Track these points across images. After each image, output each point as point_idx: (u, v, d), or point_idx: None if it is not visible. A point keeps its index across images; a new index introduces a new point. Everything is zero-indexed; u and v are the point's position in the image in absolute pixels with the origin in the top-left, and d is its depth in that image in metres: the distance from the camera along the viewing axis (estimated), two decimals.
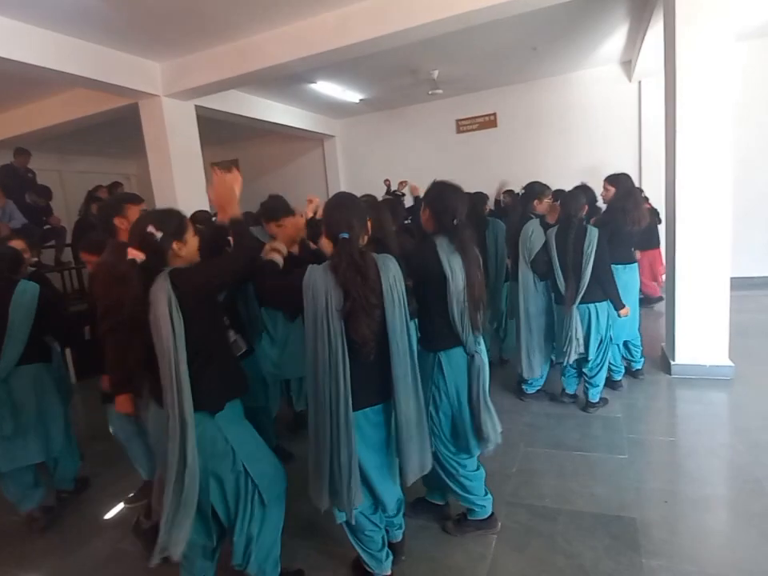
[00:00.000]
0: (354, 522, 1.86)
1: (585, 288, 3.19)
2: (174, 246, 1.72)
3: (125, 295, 1.66)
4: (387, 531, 2.06)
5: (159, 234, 1.67)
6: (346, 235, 1.68)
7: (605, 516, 2.37)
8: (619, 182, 3.83)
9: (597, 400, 3.48)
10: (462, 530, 2.34)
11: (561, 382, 3.67)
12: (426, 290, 2.10)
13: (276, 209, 2.92)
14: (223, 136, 8.53)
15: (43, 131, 6.39)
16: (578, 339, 3.22)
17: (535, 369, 3.58)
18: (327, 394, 1.68)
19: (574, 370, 3.57)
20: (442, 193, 2.17)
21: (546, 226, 3.51)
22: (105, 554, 2.45)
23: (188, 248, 1.77)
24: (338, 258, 1.67)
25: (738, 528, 2.27)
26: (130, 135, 6.64)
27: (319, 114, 8.41)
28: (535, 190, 3.74)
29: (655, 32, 4.77)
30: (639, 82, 6.93)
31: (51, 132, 6.53)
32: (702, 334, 3.84)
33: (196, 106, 5.82)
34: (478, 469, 2.31)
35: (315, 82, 6.53)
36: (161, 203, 5.67)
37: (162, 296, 1.59)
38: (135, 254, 1.65)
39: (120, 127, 6.68)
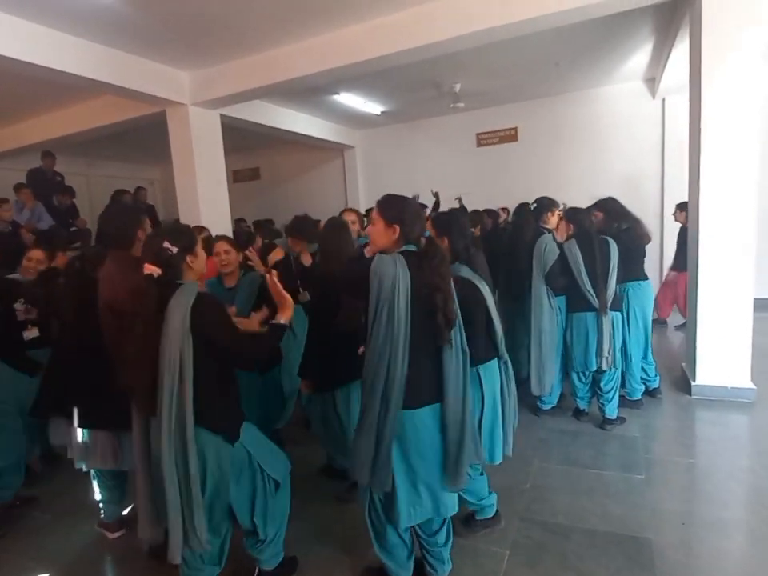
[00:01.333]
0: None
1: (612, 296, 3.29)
2: (188, 259, 1.78)
3: (141, 310, 1.68)
4: (426, 552, 2.02)
5: (175, 249, 1.73)
6: (428, 234, 1.83)
7: (619, 536, 2.33)
8: (607, 206, 3.80)
9: (615, 416, 3.44)
10: (473, 530, 2.39)
11: (572, 398, 3.63)
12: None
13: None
14: (245, 144, 8.67)
15: (73, 136, 6.58)
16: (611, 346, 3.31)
17: (546, 385, 3.52)
18: (380, 389, 1.71)
19: (586, 386, 3.54)
20: (458, 221, 2.33)
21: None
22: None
23: (198, 261, 1.85)
24: (435, 251, 1.78)
25: (756, 553, 2.21)
26: (155, 142, 6.82)
27: (340, 125, 8.52)
28: (545, 204, 3.75)
29: (681, 49, 4.75)
30: (663, 100, 6.89)
31: (81, 137, 6.73)
32: (723, 355, 3.76)
33: (221, 114, 5.95)
34: (482, 474, 2.40)
35: (338, 94, 6.63)
36: (184, 209, 5.79)
37: (178, 312, 1.65)
38: (152, 269, 1.68)
39: (145, 134, 6.85)
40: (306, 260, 3.06)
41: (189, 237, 1.82)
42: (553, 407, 3.73)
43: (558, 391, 3.73)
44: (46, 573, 2.36)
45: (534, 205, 3.90)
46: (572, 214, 3.48)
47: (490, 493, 2.41)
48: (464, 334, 1.83)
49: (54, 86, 4.82)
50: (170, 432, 1.65)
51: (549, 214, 3.69)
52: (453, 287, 1.79)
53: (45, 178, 6.46)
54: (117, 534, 2.56)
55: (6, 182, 6.71)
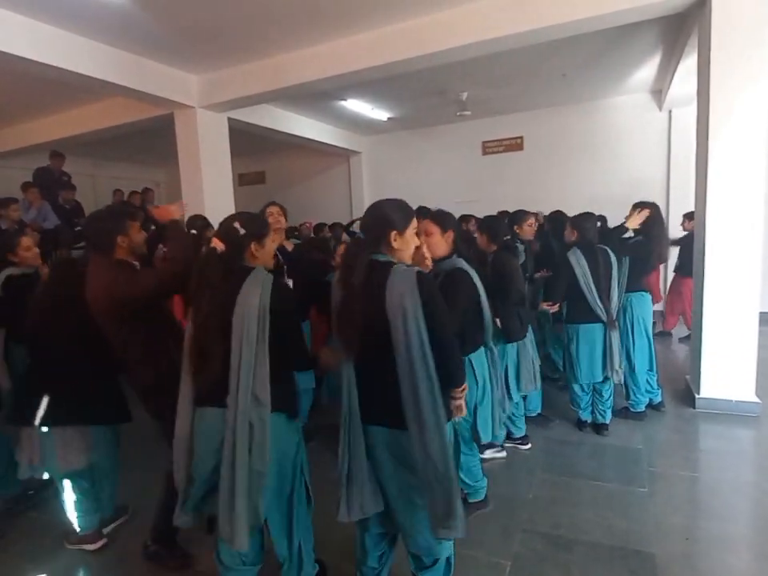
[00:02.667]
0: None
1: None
2: (252, 246, 1.81)
3: (202, 279, 1.72)
4: None
5: (242, 231, 1.78)
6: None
7: (623, 549, 2.31)
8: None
9: (609, 421, 3.51)
10: (466, 513, 2.35)
11: (573, 410, 3.62)
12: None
13: None
14: (252, 148, 8.71)
15: (81, 137, 6.63)
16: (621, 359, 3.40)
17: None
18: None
19: (588, 396, 3.54)
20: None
21: (529, 251, 3.77)
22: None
23: (265, 252, 1.87)
24: None
25: (761, 569, 2.18)
26: (162, 144, 6.85)
27: (347, 130, 8.55)
28: (518, 216, 3.76)
29: (688, 61, 4.77)
30: (670, 112, 6.90)
31: (88, 138, 6.78)
32: (728, 369, 3.74)
33: (228, 118, 5.97)
34: (476, 456, 2.60)
35: (345, 100, 6.66)
36: (190, 211, 5.78)
37: (256, 292, 1.68)
38: (217, 243, 1.76)
39: (152, 136, 6.89)
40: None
41: (259, 226, 1.87)
42: (537, 414, 3.71)
43: (539, 399, 3.69)
44: (43, 574, 2.35)
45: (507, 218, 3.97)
46: (578, 222, 3.45)
47: (482, 477, 2.61)
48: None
49: (63, 86, 4.86)
50: (243, 414, 1.63)
51: (516, 227, 3.74)
52: None
53: (52, 177, 6.49)
54: (98, 545, 2.47)
55: (14, 181, 6.76)
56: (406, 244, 1.72)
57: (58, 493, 2.46)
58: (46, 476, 2.38)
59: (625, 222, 3.65)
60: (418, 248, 1.81)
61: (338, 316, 1.67)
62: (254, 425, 1.65)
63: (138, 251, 2.25)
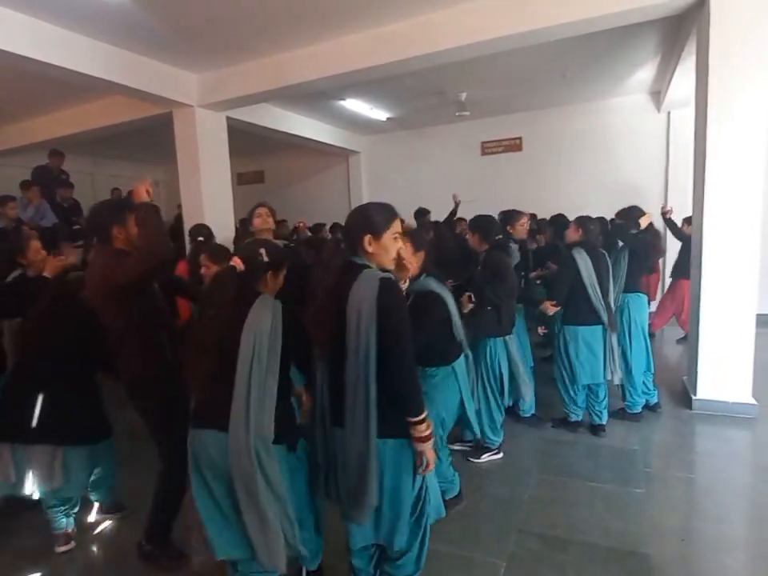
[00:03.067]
0: None
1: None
2: (269, 274, 1.82)
3: (219, 295, 1.73)
4: None
5: (265, 258, 1.80)
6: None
7: (618, 550, 2.31)
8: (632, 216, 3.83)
9: (605, 422, 3.52)
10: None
11: (569, 410, 3.59)
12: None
13: None
14: (250, 147, 8.70)
15: (80, 135, 6.61)
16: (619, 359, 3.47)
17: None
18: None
19: (583, 397, 3.56)
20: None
21: (523, 251, 3.85)
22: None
23: (277, 282, 1.88)
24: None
25: (757, 570, 2.18)
26: (161, 143, 6.84)
27: (346, 130, 8.55)
28: (511, 216, 3.77)
29: (687, 63, 4.77)
30: (668, 113, 6.91)
31: (87, 136, 6.76)
32: (725, 370, 3.74)
33: (227, 117, 5.96)
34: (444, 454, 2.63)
35: (344, 99, 6.65)
36: (188, 210, 5.81)
37: (268, 314, 1.68)
38: (237, 263, 1.76)
39: (151, 134, 6.87)
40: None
41: (282, 258, 1.89)
42: (532, 414, 3.71)
43: (533, 399, 3.69)
44: (38, 572, 2.34)
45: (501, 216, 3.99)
46: (584, 222, 3.46)
47: (453, 474, 2.69)
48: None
49: (62, 84, 4.84)
50: (249, 441, 1.60)
51: (516, 225, 3.75)
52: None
53: (51, 175, 6.47)
54: (66, 548, 2.44)
55: (12, 179, 6.74)
56: (383, 249, 1.66)
57: None
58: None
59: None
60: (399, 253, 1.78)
61: (311, 316, 1.69)
62: (260, 454, 1.62)
63: (134, 242, 2.24)
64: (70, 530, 2.48)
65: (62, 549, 2.44)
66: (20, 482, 2.27)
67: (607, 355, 3.38)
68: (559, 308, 3.41)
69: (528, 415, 3.69)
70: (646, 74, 6.13)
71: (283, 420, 1.73)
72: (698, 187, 3.82)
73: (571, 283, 3.32)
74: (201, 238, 4.04)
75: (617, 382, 3.46)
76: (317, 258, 4.18)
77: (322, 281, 1.68)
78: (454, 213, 6.39)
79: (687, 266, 5.13)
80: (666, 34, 4.76)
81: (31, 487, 2.28)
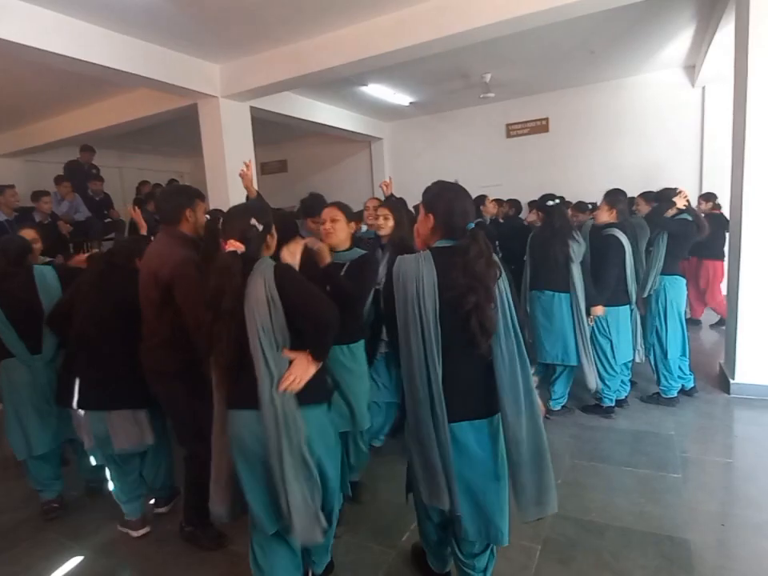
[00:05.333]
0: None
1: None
2: (267, 237, 1.78)
3: (225, 287, 1.63)
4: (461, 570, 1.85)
5: (260, 227, 1.72)
6: (473, 225, 1.61)
7: (655, 535, 2.28)
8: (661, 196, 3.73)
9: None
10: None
11: (600, 393, 3.52)
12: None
13: (313, 206, 3.00)
14: (273, 136, 8.73)
15: (107, 130, 6.76)
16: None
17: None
18: (426, 399, 1.57)
19: (618, 379, 3.53)
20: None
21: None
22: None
23: (274, 241, 1.84)
24: (467, 246, 1.55)
25: None
26: (185, 134, 6.93)
27: (368, 117, 8.49)
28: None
29: (724, 34, 4.57)
30: (703, 88, 6.63)
31: (114, 131, 6.90)
32: (766, 353, 3.63)
33: (250, 107, 5.99)
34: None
35: (366, 85, 6.60)
36: (214, 200, 5.86)
37: (260, 284, 1.62)
38: (236, 246, 1.66)
39: (177, 127, 6.97)
40: None
41: (270, 215, 1.83)
42: (563, 406, 3.59)
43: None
44: (82, 553, 2.44)
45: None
46: (616, 199, 3.39)
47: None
48: (520, 339, 1.60)
49: (87, 79, 4.95)
50: (277, 409, 1.60)
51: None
52: (495, 289, 1.57)
53: (82, 170, 6.63)
54: (142, 532, 2.52)
55: (44, 174, 6.94)
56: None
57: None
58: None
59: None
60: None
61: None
62: (289, 420, 1.62)
63: (200, 232, 2.30)
64: (139, 516, 2.54)
65: (140, 533, 2.51)
66: (99, 446, 2.38)
67: (634, 333, 3.49)
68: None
69: (558, 408, 3.58)
70: (679, 47, 5.89)
71: (313, 379, 1.69)
72: (737, 165, 3.67)
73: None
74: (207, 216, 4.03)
75: (638, 360, 3.59)
76: None
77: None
78: None
79: (707, 247, 4.99)
80: (702, 3, 4.56)
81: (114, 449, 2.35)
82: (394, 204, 3.01)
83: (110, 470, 2.52)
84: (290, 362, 1.66)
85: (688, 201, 3.59)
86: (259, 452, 1.65)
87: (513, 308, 1.61)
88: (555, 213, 3.35)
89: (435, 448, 1.57)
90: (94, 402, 2.35)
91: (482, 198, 5.12)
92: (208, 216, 2.39)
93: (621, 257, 3.30)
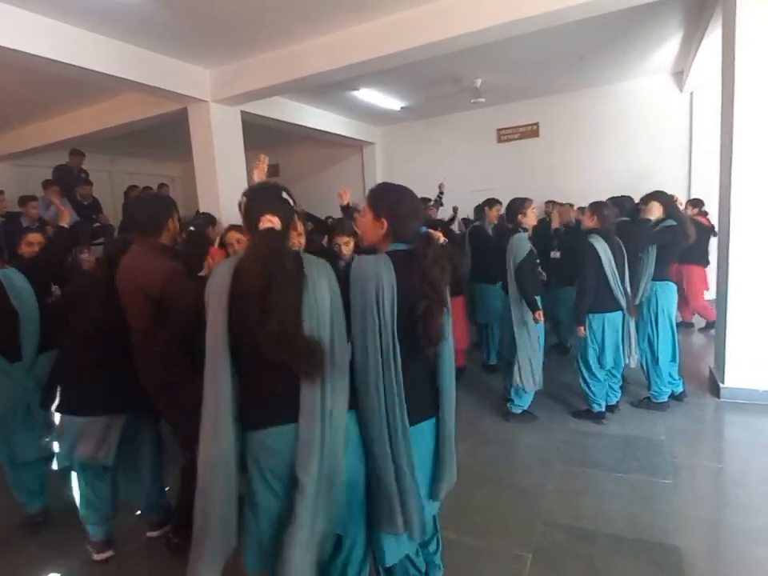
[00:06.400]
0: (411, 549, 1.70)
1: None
2: (296, 222, 1.56)
3: (275, 274, 1.33)
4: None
5: (291, 202, 1.54)
6: (425, 229, 1.59)
7: (646, 542, 2.27)
8: (662, 198, 3.71)
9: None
10: None
11: (588, 400, 3.55)
12: None
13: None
14: (265, 141, 8.66)
15: (97, 134, 6.70)
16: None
17: (538, 379, 3.46)
18: (383, 404, 1.52)
19: (605, 386, 3.53)
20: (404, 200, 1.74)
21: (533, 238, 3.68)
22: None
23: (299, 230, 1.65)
24: (425, 251, 1.53)
25: None
26: (176, 138, 6.89)
27: (360, 121, 8.49)
28: (516, 206, 3.61)
29: (711, 39, 4.62)
30: (691, 93, 6.70)
31: (105, 135, 6.85)
32: (755, 357, 3.64)
33: (241, 111, 5.96)
34: None
35: (358, 90, 6.60)
36: (204, 205, 5.83)
37: (324, 284, 1.41)
38: (273, 221, 1.41)
39: (167, 131, 6.92)
40: None
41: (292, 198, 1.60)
42: (523, 411, 3.61)
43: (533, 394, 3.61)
44: (65, 568, 2.39)
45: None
46: (597, 207, 3.41)
47: None
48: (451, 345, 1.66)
49: (77, 83, 4.90)
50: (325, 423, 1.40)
51: (520, 215, 3.54)
52: (446, 294, 1.58)
53: (71, 174, 6.56)
54: (104, 556, 2.36)
55: (33, 178, 6.86)
56: None
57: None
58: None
59: (645, 215, 3.65)
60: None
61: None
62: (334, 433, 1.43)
63: (176, 238, 2.28)
64: (102, 539, 2.39)
65: (102, 556, 2.37)
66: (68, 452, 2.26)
67: (625, 340, 3.41)
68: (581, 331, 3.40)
69: (518, 412, 3.61)
70: (667, 52, 5.94)
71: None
72: (725, 169, 3.70)
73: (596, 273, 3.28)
74: (192, 228, 3.94)
75: (633, 365, 3.48)
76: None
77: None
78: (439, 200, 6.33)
79: (691, 252, 5.02)
80: (690, 9, 4.60)
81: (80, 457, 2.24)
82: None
83: (78, 481, 2.39)
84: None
85: (675, 204, 3.62)
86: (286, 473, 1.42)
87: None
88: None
89: (392, 464, 1.53)
90: (81, 406, 2.24)
91: (491, 202, 4.81)
92: (192, 228, 2.35)
93: (596, 264, 3.27)
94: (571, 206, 6.00)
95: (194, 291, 1.98)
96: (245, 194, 1.53)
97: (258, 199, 1.51)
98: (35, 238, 2.96)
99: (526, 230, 3.51)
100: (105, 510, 2.39)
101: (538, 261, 3.72)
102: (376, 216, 1.62)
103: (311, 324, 1.37)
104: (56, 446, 2.38)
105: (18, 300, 2.49)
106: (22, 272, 2.59)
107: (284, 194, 1.52)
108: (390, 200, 1.63)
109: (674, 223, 3.53)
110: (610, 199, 3.76)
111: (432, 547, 1.88)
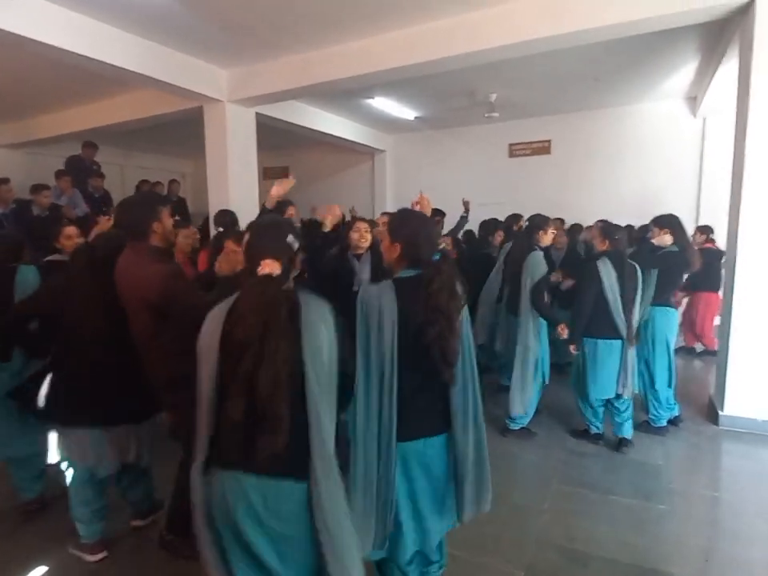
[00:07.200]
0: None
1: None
2: (296, 258, 1.51)
3: (270, 323, 1.29)
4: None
5: (296, 246, 1.47)
6: (438, 257, 1.65)
7: (639, 567, 2.26)
8: (672, 223, 3.72)
9: (631, 437, 3.40)
10: None
11: (585, 421, 3.54)
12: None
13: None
14: (277, 142, 8.74)
15: (112, 127, 6.75)
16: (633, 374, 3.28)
17: (527, 404, 3.49)
18: (376, 422, 1.60)
19: (602, 410, 3.48)
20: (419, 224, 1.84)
21: (548, 258, 3.66)
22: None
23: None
24: (432, 278, 1.60)
25: None
26: (189, 135, 6.95)
27: (372, 128, 8.54)
28: (537, 222, 3.63)
29: (727, 68, 4.65)
30: (704, 119, 6.72)
31: (119, 128, 6.90)
32: (756, 386, 3.63)
33: (256, 113, 6.01)
34: None
35: (373, 98, 6.64)
36: (215, 203, 5.87)
37: (321, 327, 1.34)
38: (273, 266, 1.36)
39: (180, 127, 6.98)
40: None
41: (297, 231, 1.54)
42: (522, 428, 3.62)
43: (533, 412, 3.63)
44: (57, 556, 2.39)
45: (527, 223, 3.89)
46: (609, 230, 3.37)
47: None
48: (474, 366, 1.74)
49: (96, 76, 4.93)
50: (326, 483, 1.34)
51: (541, 232, 3.56)
52: (456, 320, 1.62)
53: (83, 166, 6.61)
54: (99, 556, 2.35)
55: (46, 167, 6.91)
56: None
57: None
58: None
59: (651, 238, 3.66)
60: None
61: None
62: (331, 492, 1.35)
63: (171, 238, 2.23)
64: (97, 539, 2.38)
65: (97, 557, 2.35)
66: (99, 461, 2.22)
67: (621, 369, 3.25)
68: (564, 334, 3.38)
69: (517, 428, 3.61)
70: (682, 78, 5.97)
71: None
72: (735, 196, 3.71)
73: (594, 295, 3.24)
74: (221, 228, 4.03)
75: (626, 396, 3.29)
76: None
77: None
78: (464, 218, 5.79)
79: (705, 279, 5.02)
80: (707, 37, 4.63)
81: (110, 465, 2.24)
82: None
83: (71, 480, 2.33)
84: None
85: (682, 230, 3.62)
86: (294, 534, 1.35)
87: (471, 337, 1.74)
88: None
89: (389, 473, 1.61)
90: (77, 418, 2.18)
91: (515, 218, 4.86)
92: (221, 228, 2.28)
93: (596, 286, 3.22)
94: (562, 221, 6.02)
95: (192, 289, 2.00)
96: (249, 228, 1.52)
97: (261, 239, 1.46)
98: (73, 230, 3.03)
99: (542, 248, 3.53)
100: (102, 512, 2.37)
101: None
102: (392, 240, 1.71)
103: (310, 367, 1.31)
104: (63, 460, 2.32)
105: (20, 294, 2.45)
106: (42, 272, 2.60)
107: (290, 237, 1.45)
108: (406, 227, 1.72)
109: (676, 249, 3.53)
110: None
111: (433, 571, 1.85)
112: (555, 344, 4.99)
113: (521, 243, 3.73)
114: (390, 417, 1.60)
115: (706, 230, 5.63)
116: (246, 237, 1.49)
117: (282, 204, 3.38)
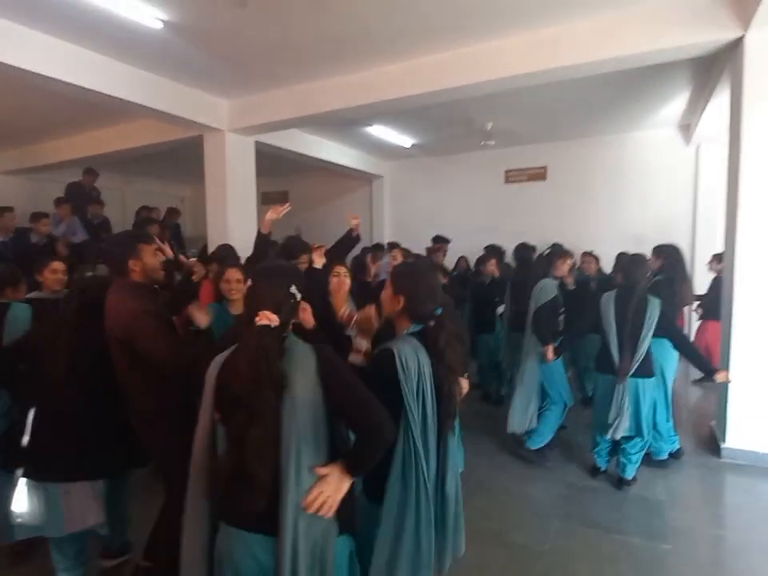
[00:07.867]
0: None
1: (639, 361, 3.13)
2: (299, 307, 1.51)
3: (263, 375, 1.28)
4: None
5: (299, 296, 1.44)
6: (440, 311, 1.65)
7: None
8: (668, 253, 3.73)
9: (632, 477, 3.31)
10: None
11: (591, 455, 3.51)
12: None
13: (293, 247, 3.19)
14: (276, 168, 8.83)
15: (113, 154, 6.83)
16: (626, 414, 3.14)
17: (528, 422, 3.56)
18: (421, 474, 1.54)
19: (608, 445, 3.41)
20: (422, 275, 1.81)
21: (562, 289, 3.73)
22: None
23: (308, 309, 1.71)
24: (437, 336, 1.62)
25: None
26: (189, 161, 7.01)
27: (370, 155, 8.64)
28: (557, 252, 3.69)
29: (719, 98, 4.72)
30: (698, 147, 6.80)
31: (119, 155, 6.97)
32: (758, 418, 3.59)
33: (255, 141, 6.08)
34: None
35: (371, 125, 6.73)
36: (213, 229, 5.90)
37: (304, 379, 1.33)
38: (271, 318, 1.32)
39: (180, 154, 7.05)
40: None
41: (302, 276, 1.54)
42: (540, 448, 3.65)
43: (550, 436, 3.68)
44: None
45: (548, 251, 3.95)
46: (626, 266, 3.38)
47: None
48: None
49: (97, 106, 5.00)
50: (299, 538, 1.31)
51: (560, 261, 3.67)
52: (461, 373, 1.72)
53: (83, 192, 6.66)
54: None
55: (47, 194, 6.95)
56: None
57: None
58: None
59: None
60: None
61: None
62: (316, 553, 1.33)
63: (155, 275, 2.19)
64: None
65: None
66: (47, 523, 2.06)
67: (614, 407, 3.16)
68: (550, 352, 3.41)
69: (535, 448, 3.67)
70: (675, 107, 6.07)
71: (343, 501, 1.37)
72: (731, 223, 3.73)
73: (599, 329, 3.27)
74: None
75: (616, 437, 3.19)
76: None
77: None
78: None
79: (714, 307, 5.00)
80: (698, 69, 4.71)
81: (65, 528, 2.07)
82: None
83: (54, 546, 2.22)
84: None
85: (677, 261, 3.66)
86: None
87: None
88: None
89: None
90: (51, 472, 2.05)
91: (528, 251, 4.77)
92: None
93: (594, 317, 3.27)
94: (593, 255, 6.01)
95: (161, 329, 1.98)
96: (252, 275, 1.50)
97: (262, 288, 1.43)
98: (59, 266, 2.95)
99: (556, 277, 3.58)
100: (82, 557, 2.27)
101: (562, 309, 3.67)
102: (395, 292, 1.69)
103: (289, 427, 1.30)
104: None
105: (9, 338, 2.39)
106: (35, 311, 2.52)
107: (293, 288, 1.43)
108: (410, 281, 1.71)
109: (662, 279, 3.54)
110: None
111: None
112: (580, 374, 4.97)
113: (536, 269, 3.82)
114: (429, 464, 1.59)
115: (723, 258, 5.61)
116: (248, 284, 1.51)
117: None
